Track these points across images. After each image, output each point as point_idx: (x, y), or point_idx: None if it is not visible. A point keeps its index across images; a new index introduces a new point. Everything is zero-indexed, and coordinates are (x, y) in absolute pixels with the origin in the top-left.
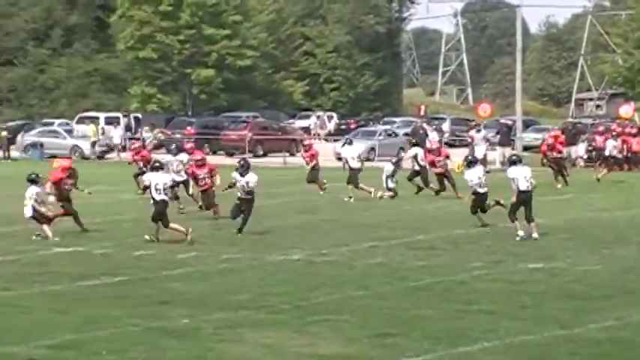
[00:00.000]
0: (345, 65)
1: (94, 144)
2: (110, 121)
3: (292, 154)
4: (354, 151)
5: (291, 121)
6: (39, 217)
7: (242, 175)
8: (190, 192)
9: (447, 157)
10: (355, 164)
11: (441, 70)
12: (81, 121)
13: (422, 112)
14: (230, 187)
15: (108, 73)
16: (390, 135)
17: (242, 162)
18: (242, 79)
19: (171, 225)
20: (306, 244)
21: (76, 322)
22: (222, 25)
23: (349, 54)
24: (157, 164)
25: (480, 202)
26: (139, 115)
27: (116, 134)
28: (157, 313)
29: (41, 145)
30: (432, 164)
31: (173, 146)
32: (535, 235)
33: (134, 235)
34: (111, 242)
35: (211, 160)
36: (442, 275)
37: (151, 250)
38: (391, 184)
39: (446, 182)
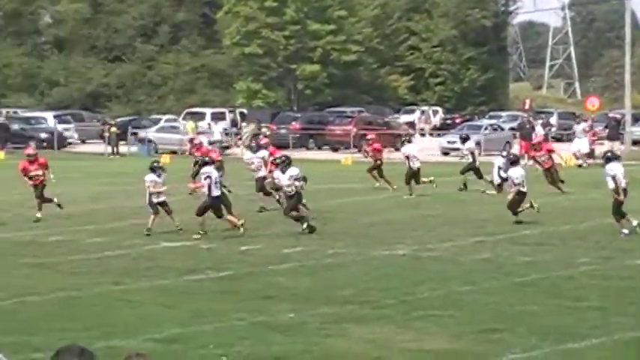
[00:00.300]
0: (450, 59)
1: (191, 140)
2: (216, 117)
3: (397, 149)
4: (414, 149)
5: (395, 115)
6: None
7: (283, 171)
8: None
9: (550, 151)
10: (416, 164)
11: (548, 63)
12: (187, 116)
13: (526, 106)
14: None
15: (214, 69)
16: (495, 129)
17: (283, 157)
18: (347, 74)
19: (227, 217)
20: (411, 239)
21: (183, 316)
22: (327, 20)
23: (454, 48)
24: (208, 159)
25: (519, 202)
26: (245, 111)
27: (216, 130)
28: (262, 307)
29: (149, 140)
30: (534, 160)
31: (253, 143)
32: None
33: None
34: (217, 237)
35: (317, 155)
36: (549, 271)
37: (257, 245)
38: (498, 179)
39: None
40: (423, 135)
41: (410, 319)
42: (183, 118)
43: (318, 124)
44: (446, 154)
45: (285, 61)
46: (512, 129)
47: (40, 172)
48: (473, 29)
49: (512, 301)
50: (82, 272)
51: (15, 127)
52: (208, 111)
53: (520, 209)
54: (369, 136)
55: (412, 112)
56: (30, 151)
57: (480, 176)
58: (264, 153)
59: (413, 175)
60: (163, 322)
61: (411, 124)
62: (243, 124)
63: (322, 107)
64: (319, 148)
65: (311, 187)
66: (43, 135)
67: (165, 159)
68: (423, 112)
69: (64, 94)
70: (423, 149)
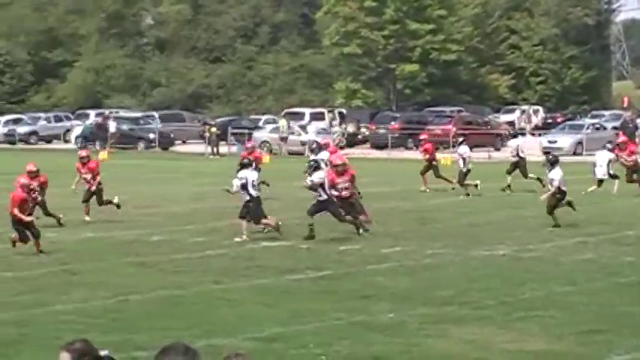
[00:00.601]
0: (551, 58)
1: (284, 139)
2: (315, 117)
3: (497, 149)
4: (468, 151)
5: (495, 115)
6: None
7: (311, 175)
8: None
9: (632, 153)
10: (469, 165)
11: None
12: (287, 116)
13: (625, 104)
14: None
15: (313, 69)
16: (597, 128)
17: (312, 162)
18: (446, 73)
19: (263, 221)
20: (511, 239)
21: (283, 315)
22: (426, 19)
23: (556, 47)
24: (246, 160)
25: (558, 202)
26: (344, 111)
27: (311, 130)
28: (361, 307)
29: (264, 141)
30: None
31: (314, 145)
32: None
33: (338, 229)
34: (316, 237)
35: (415, 155)
36: None
37: (356, 245)
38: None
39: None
40: (523, 134)
41: (510, 320)
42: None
43: (417, 124)
44: (547, 153)
45: (384, 60)
46: (614, 128)
47: (88, 176)
48: (574, 27)
49: (615, 301)
50: (184, 271)
51: (124, 127)
52: (307, 111)
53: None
54: (421, 137)
55: (512, 111)
56: (83, 153)
57: (525, 174)
58: (325, 154)
59: (465, 176)
60: (263, 321)
61: (511, 124)
62: (334, 122)
63: (421, 107)
64: (418, 148)
65: (410, 187)
66: (152, 135)
67: (266, 159)
68: (523, 111)
69: (166, 95)
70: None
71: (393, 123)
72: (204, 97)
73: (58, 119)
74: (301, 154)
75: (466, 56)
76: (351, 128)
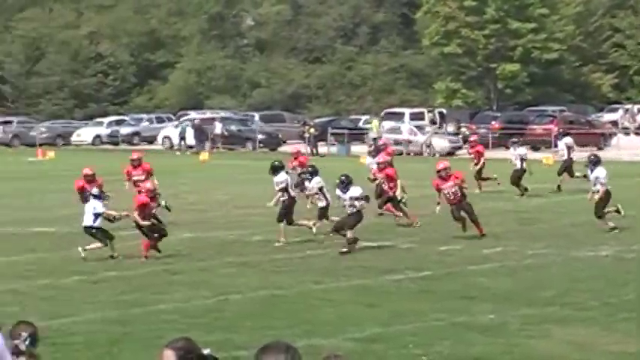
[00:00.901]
0: None
1: (375, 139)
2: (415, 117)
3: (600, 149)
4: (522, 151)
5: (598, 114)
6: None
7: (343, 191)
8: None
9: None
10: (520, 165)
11: None
12: (386, 117)
13: None
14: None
15: (413, 69)
16: None
17: (343, 178)
18: (548, 72)
19: (298, 222)
20: (614, 240)
21: (383, 315)
22: (528, 18)
23: None
24: (277, 163)
25: (607, 202)
26: (444, 110)
27: (404, 129)
28: (462, 307)
29: (349, 141)
30: None
31: (372, 147)
32: None
33: (439, 230)
34: (416, 237)
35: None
36: None
37: (457, 246)
38: None
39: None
40: (627, 134)
41: (614, 321)
42: (382, 119)
43: (518, 124)
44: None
45: (484, 60)
46: None
47: (142, 178)
48: None
49: None
50: (284, 271)
51: (232, 128)
52: (407, 111)
53: (606, 211)
54: (471, 138)
55: (615, 110)
56: (134, 155)
57: (571, 173)
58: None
59: (521, 176)
60: (363, 322)
61: (615, 123)
62: (423, 123)
63: (522, 106)
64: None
65: (511, 187)
66: (260, 136)
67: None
68: (626, 110)
69: (266, 96)
70: (627, 148)
71: (493, 123)
72: (304, 97)
73: (160, 120)
74: (400, 153)
75: (568, 55)
76: (450, 128)
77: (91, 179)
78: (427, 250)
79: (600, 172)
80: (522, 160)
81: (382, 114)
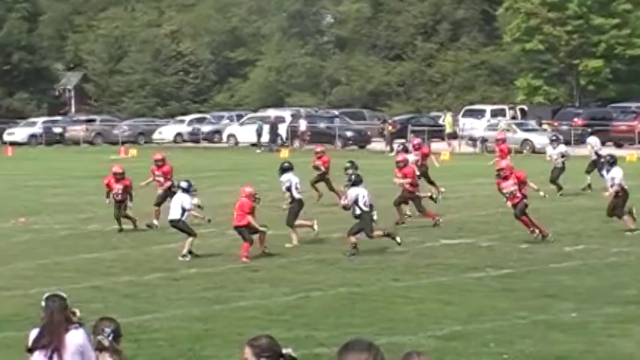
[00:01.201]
0: None
1: (449, 136)
2: (496, 114)
3: None
4: (563, 149)
5: None
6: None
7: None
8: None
9: None
10: (562, 163)
11: None
12: (467, 114)
13: None
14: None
15: (494, 65)
16: None
17: (354, 176)
18: (631, 68)
19: (296, 222)
20: None
21: (463, 313)
22: (611, 14)
23: None
24: (287, 164)
25: (624, 202)
26: (525, 107)
27: (480, 126)
28: (543, 305)
29: (429, 138)
30: None
31: (400, 147)
32: None
33: (519, 227)
34: (496, 235)
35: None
36: None
37: (538, 244)
38: None
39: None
40: None
41: None
42: (463, 116)
43: (601, 120)
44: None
45: (567, 56)
46: None
47: (161, 179)
48: None
49: None
50: (363, 268)
51: (321, 125)
52: (488, 108)
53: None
54: (499, 137)
55: None
56: (158, 156)
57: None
58: (412, 157)
59: (560, 174)
60: (443, 319)
61: None
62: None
63: (605, 103)
64: (602, 144)
65: (593, 185)
66: (349, 133)
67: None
68: None
69: (345, 93)
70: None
71: (575, 119)
72: (384, 94)
73: (240, 118)
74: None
75: None
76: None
77: (120, 177)
78: (508, 247)
79: (616, 172)
80: (564, 158)
81: (462, 111)
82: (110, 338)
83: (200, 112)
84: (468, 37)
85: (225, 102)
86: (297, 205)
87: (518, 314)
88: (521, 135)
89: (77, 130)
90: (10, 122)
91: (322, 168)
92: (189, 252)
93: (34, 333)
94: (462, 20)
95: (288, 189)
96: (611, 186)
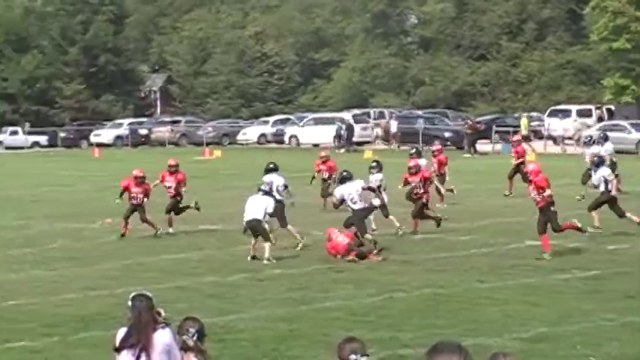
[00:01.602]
0: None
1: (524, 138)
2: (582, 114)
3: None
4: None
5: None
6: None
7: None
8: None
9: None
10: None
11: None
12: (552, 114)
13: None
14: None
15: (581, 65)
16: None
17: (344, 173)
18: None
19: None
20: None
21: (549, 315)
22: None
23: None
24: (272, 165)
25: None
26: (612, 107)
27: (560, 126)
28: (631, 307)
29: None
30: None
31: (413, 151)
32: None
33: (606, 229)
34: (583, 236)
35: None
36: None
37: (626, 244)
38: None
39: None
40: None
41: None
42: (549, 116)
43: None
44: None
45: None
46: None
47: (171, 185)
48: None
49: None
50: (448, 270)
51: (418, 126)
52: (574, 108)
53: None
54: (514, 138)
55: None
56: (171, 162)
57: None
58: (423, 161)
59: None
60: (529, 321)
61: None
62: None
63: None
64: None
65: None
66: (447, 134)
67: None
68: None
69: (429, 94)
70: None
71: None
72: (468, 95)
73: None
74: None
75: None
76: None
77: (140, 181)
78: (595, 248)
79: (604, 171)
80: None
81: (548, 111)
82: (195, 338)
83: (284, 113)
84: (554, 37)
85: (309, 103)
86: (277, 207)
87: (605, 316)
88: (636, 135)
89: (162, 132)
90: (97, 124)
91: (326, 173)
92: (253, 256)
93: (121, 332)
94: (547, 19)
95: (269, 191)
96: (600, 185)
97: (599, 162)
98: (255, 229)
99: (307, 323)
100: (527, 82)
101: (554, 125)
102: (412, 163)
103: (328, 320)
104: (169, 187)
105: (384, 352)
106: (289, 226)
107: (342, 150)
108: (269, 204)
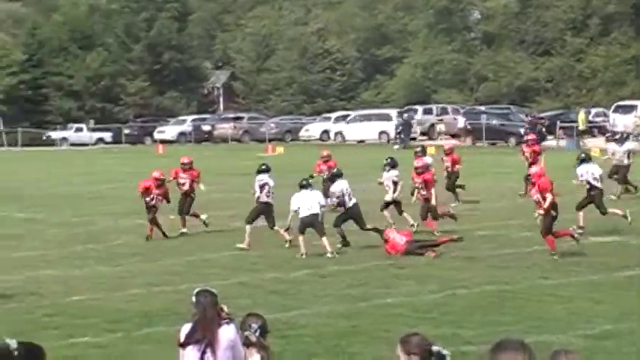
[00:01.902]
0: None
1: (583, 133)
2: None
3: None
4: (631, 146)
5: None
6: None
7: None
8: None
9: None
10: (628, 160)
11: None
12: (618, 109)
13: None
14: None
15: None
16: None
17: (336, 171)
18: None
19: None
20: None
21: (614, 312)
22: None
23: None
24: (264, 166)
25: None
26: None
27: (620, 123)
28: None
29: (578, 134)
30: None
31: (419, 150)
32: None
33: None
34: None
35: None
36: None
37: None
38: None
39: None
40: None
41: None
42: (614, 112)
43: None
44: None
45: None
46: None
47: (184, 182)
48: None
49: None
50: (511, 266)
51: (493, 122)
52: (639, 103)
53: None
54: (530, 137)
55: None
56: (184, 160)
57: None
58: (429, 159)
59: (626, 173)
60: (594, 318)
61: None
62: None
63: None
64: None
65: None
66: (523, 130)
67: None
68: None
69: (493, 89)
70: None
71: None
72: (532, 90)
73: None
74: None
75: None
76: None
77: (160, 184)
78: None
79: (585, 168)
80: (629, 155)
81: (613, 107)
82: (257, 334)
83: (346, 109)
84: (619, 32)
85: (372, 99)
86: (263, 207)
87: None
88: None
89: (225, 128)
90: (161, 120)
91: (326, 173)
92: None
93: (186, 328)
94: (613, 14)
95: (261, 187)
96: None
97: (582, 158)
98: (312, 224)
99: (368, 319)
100: (592, 78)
101: (618, 121)
102: (420, 162)
103: (390, 316)
104: (183, 184)
105: (447, 348)
106: (276, 227)
107: (397, 146)
108: (320, 197)
